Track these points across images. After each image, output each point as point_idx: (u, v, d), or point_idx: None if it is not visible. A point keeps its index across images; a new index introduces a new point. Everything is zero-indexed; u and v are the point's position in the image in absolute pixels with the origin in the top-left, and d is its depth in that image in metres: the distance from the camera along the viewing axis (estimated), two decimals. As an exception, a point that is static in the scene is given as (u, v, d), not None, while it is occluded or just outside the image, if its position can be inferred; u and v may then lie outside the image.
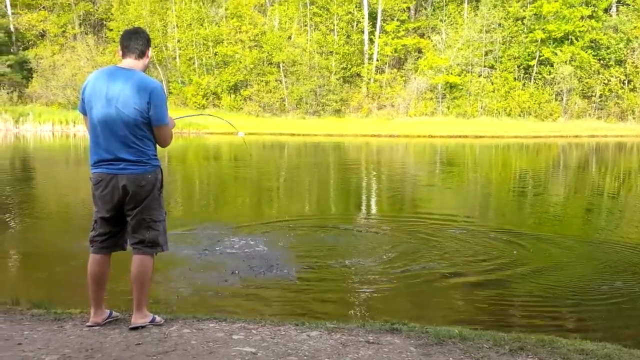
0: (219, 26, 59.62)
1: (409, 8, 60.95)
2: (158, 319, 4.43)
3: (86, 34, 60.55)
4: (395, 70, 58.21)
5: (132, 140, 4.15)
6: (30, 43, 60.96)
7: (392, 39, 57.70)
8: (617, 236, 10.21)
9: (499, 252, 8.68)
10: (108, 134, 4.16)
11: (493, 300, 6.34)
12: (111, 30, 59.62)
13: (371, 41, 58.88)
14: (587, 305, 6.22)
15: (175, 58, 59.74)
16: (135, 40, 4.29)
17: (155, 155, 4.32)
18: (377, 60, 58.29)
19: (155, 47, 55.64)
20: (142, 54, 4.30)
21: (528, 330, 4.88)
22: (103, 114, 4.15)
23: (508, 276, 7.35)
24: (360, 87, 57.84)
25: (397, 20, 58.45)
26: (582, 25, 53.56)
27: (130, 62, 4.28)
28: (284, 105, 56.48)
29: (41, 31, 61.25)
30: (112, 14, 60.88)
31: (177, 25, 59.45)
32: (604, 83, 54.11)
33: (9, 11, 59.97)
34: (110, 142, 4.16)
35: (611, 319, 5.83)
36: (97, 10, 63.42)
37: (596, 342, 4.34)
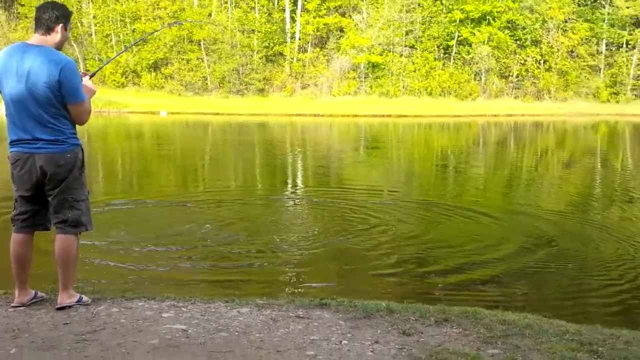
0: (136, 2, 58.16)
1: (330, -14, 61.07)
2: (85, 298, 4.34)
3: (-3, 9, 58.02)
4: (317, 49, 58.32)
5: (47, 119, 4.01)
6: (-64, 18, 57.93)
7: (314, 17, 57.74)
8: (536, 209, 10.62)
9: (423, 225, 8.90)
10: (22, 113, 4.02)
11: (418, 273, 6.48)
12: (23, 5, 57.28)
13: (293, 19, 58.77)
14: (507, 276, 6.44)
15: (91, 35, 57.96)
16: (43, 14, 4.10)
17: (74, 134, 4.18)
18: (300, 39, 58.27)
19: (71, 23, 53.78)
20: (49, 29, 4.08)
21: (452, 303, 5.02)
22: (15, 92, 4.00)
23: (430, 249, 7.53)
24: (284, 66, 57.73)
25: (319, -2, 58.44)
26: (499, 6, 55.04)
27: (37, 37, 4.09)
28: (207, 84, 55.83)
29: (-51, 5, 58.30)
30: (24, -11, 58.46)
31: (92, 1, 57.61)
32: (520, 63, 55.89)
33: None
34: (25, 121, 4.02)
35: (532, 290, 6.06)
36: (8, -16, 60.78)
37: (517, 313, 4.50)
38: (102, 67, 5.43)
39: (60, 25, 4.11)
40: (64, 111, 4.07)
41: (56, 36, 4.11)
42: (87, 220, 4.28)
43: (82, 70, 4.28)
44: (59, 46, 4.15)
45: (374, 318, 4.17)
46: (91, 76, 4.47)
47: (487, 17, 55.56)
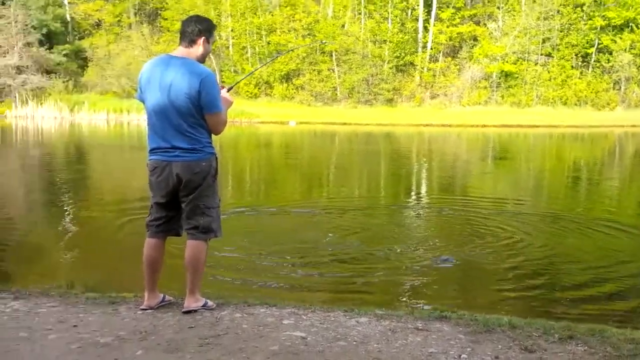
0: (272, 15, 59.84)
1: (465, -5, 60.07)
2: (210, 303, 4.50)
3: (141, 23, 61.61)
4: (449, 58, 57.50)
5: (186, 128, 4.20)
6: (86, 32, 62.24)
7: (447, 26, 56.97)
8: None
9: (549, 238, 8.59)
10: (163, 122, 4.22)
11: (543, 288, 6.26)
12: (165, 19, 60.36)
13: (426, 29, 58.28)
14: (638, 294, 6.11)
15: (228, 47, 60.20)
16: (187, 28, 4.30)
17: (210, 143, 4.35)
18: (431, 49, 57.71)
19: (210, 36, 56.09)
20: (192, 42, 4.28)
21: (578, 319, 4.81)
22: (157, 103, 4.21)
23: (559, 263, 7.26)
24: (414, 76, 57.34)
25: (453, 7, 57.62)
26: (644, 12, 51.96)
27: (181, 49, 4.30)
28: (336, 94, 56.44)
29: (97, 20, 62.52)
30: (166, 3, 61.61)
31: (230, 14, 59.90)
32: (664, 72, 52.48)
33: (66, 1, 61.25)
34: (165, 130, 4.22)
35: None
36: (151, 0, 64.29)
37: (647, 332, 4.26)
38: (239, 82, 5.63)
39: (203, 38, 4.30)
40: (202, 121, 4.24)
41: (199, 49, 4.30)
42: (217, 227, 4.44)
43: (220, 83, 4.46)
44: (202, 59, 4.34)
45: (495, 333, 4.06)
46: (229, 89, 4.65)
47: (630, 24, 52.65)
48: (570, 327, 4.19)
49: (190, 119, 4.20)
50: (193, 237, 4.37)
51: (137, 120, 42.72)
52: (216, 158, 4.41)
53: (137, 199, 11.17)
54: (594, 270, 6.93)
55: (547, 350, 3.76)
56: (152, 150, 4.32)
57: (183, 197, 4.33)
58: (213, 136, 4.41)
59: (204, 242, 4.40)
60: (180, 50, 4.32)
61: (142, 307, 4.45)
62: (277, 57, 53.64)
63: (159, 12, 63.29)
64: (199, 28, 4.29)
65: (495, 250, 7.65)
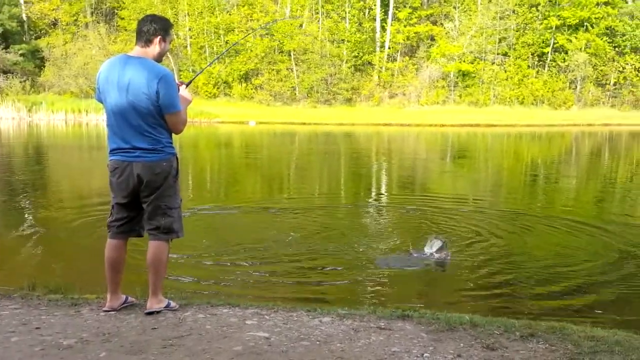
0: (230, 14, 59.60)
1: (421, -5, 60.70)
2: (173, 304, 4.49)
3: (98, 22, 60.80)
4: (407, 58, 58.04)
5: (145, 128, 4.18)
6: (42, 32, 61.29)
7: (405, 26, 57.52)
8: (631, 221, 10.23)
9: (508, 235, 8.72)
10: (122, 123, 4.20)
11: (504, 286, 6.35)
12: (122, 18, 59.73)
13: (383, 29, 58.72)
14: (597, 291, 6.22)
15: (186, 47, 59.79)
16: (143, 27, 4.27)
17: (170, 143, 4.34)
18: (389, 48, 58.16)
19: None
20: (148, 42, 4.25)
21: (539, 317, 4.89)
22: (116, 103, 4.18)
23: (519, 261, 7.36)
24: (372, 76, 57.72)
25: (410, 7, 58.22)
26: (598, 12, 53.17)
27: (138, 49, 4.27)
28: (295, 94, 56.49)
29: (53, 20, 61.64)
30: (123, 3, 61.05)
31: (188, 14, 59.50)
32: (618, 71, 53.76)
33: (21, 0, 60.15)
34: (124, 131, 4.20)
35: (622, 305, 5.83)
36: (108, -1, 63.60)
37: (607, 329, 4.34)
38: (196, 77, 5.60)
39: (159, 37, 4.27)
40: (162, 121, 4.22)
41: (155, 48, 4.27)
42: (178, 227, 4.43)
43: (177, 80, 4.44)
44: (159, 58, 4.31)
45: (456, 331, 4.11)
46: (187, 85, 4.62)
47: (585, 24, 53.79)
48: (531, 325, 4.27)
49: (150, 119, 4.17)
50: (155, 238, 4.35)
51: (96, 120, 42.21)
52: (177, 158, 4.40)
53: (98, 199, 11.06)
54: (553, 268, 7.04)
55: (509, 348, 3.82)
56: (113, 151, 4.29)
57: (144, 198, 4.30)
58: (173, 136, 4.39)
59: (166, 242, 4.38)
60: (136, 50, 4.28)
61: (104, 308, 4.41)
62: (229, 49, 53.43)
63: (116, 11, 62.61)
64: (154, 27, 4.26)
65: (456, 249, 7.71)
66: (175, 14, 59.04)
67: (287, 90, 56.36)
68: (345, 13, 58.22)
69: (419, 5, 59.95)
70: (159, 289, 4.39)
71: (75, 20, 61.91)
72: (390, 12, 58.05)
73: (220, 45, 58.59)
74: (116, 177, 4.30)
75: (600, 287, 6.34)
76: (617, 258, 7.53)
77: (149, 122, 4.18)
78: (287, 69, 57.10)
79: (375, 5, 58.55)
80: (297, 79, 56.52)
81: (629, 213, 11.35)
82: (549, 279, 6.60)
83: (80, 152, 23.51)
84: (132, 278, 5.32)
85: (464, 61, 54.39)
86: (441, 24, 58.46)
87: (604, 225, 9.59)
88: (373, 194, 13.64)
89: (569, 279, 6.60)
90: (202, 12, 59.30)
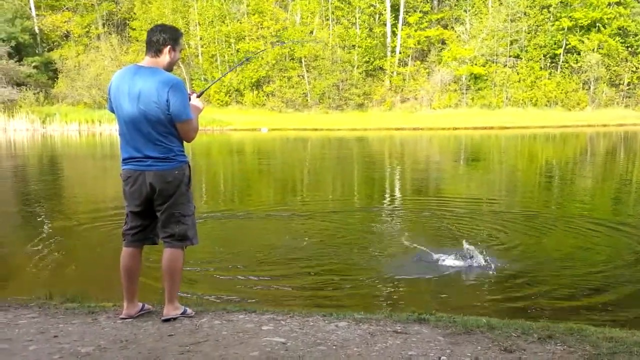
0: (240, 23, 59.75)
1: (432, -1, 60.60)
2: (189, 311, 4.50)
3: (110, 33, 61.09)
4: (418, 62, 57.93)
5: (157, 137, 4.20)
6: (54, 44, 61.63)
7: (415, 30, 57.42)
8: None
9: (524, 236, 8.68)
10: (134, 132, 4.22)
11: (521, 288, 6.31)
12: (134, 29, 60.03)
13: (394, 34, 58.66)
14: (615, 292, 6.17)
15: (197, 56, 60.00)
16: (152, 37, 4.30)
17: (182, 151, 4.36)
18: (400, 53, 58.08)
19: (179, 45, 55.94)
20: (158, 51, 4.28)
21: (556, 319, 4.86)
22: (127, 113, 4.21)
23: (534, 263, 7.31)
24: (383, 81, 57.66)
25: (420, 11, 58.11)
26: (610, 12, 52.81)
27: (148, 59, 4.30)
28: (307, 100, 56.51)
29: (65, 32, 61.99)
30: (134, 14, 61.33)
31: (199, 23, 59.72)
32: (632, 71, 53.38)
33: (33, 13, 60.66)
34: (136, 140, 4.22)
35: (640, 306, 5.78)
36: (120, 10, 63.90)
37: (625, 330, 4.31)
38: (208, 87, 5.62)
39: (169, 46, 4.29)
40: (173, 129, 4.24)
41: (165, 57, 4.30)
42: (192, 234, 4.44)
43: (189, 90, 4.46)
44: (169, 67, 4.33)
45: (474, 334, 4.10)
46: (198, 95, 4.64)
47: (597, 24, 53.46)
48: (548, 327, 4.24)
49: (161, 128, 4.20)
50: (169, 245, 4.36)
51: (110, 130, 42.48)
52: (189, 166, 4.42)
53: (113, 208, 11.11)
54: (570, 269, 7.00)
55: (527, 350, 3.80)
56: (125, 160, 4.32)
57: (158, 206, 4.33)
58: (185, 144, 4.41)
59: (181, 250, 4.39)
60: (147, 60, 4.31)
61: (121, 316, 4.43)
62: (243, 62, 53.67)
63: (127, 22, 62.90)
64: (164, 37, 4.29)
65: (470, 250, 7.66)
66: (186, 24, 59.27)
67: (298, 97, 56.39)
68: (356, 19, 58.23)
69: (430, 9, 59.82)
70: (175, 296, 4.41)
71: (87, 31, 62.26)
72: (400, 17, 57.98)
73: (231, 54, 58.74)
74: (129, 186, 4.32)
75: (618, 288, 6.28)
76: (634, 258, 7.48)
77: (160, 131, 4.20)
78: (298, 75, 57.13)
79: (385, 10, 58.49)
80: (309, 85, 56.55)
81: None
82: (566, 280, 6.55)
83: (94, 162, 23.65)
84: (148, 286, 5.34)
85: (476, 64, 54.22)
86: (452, 27, 58.33)
87: (621, 226, 9.52)
88: (387, 198, 13.60)
89: (586, 280, 6.56)
90: (212, 21, 59.49)
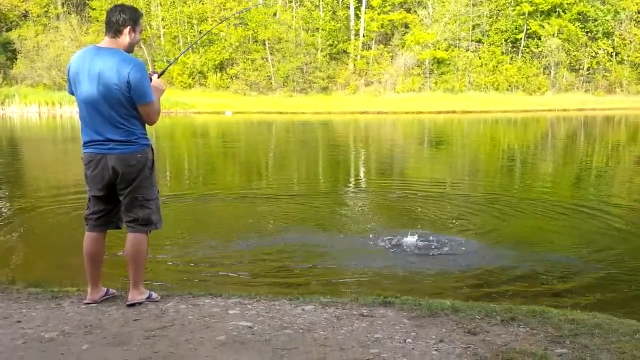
0: (203, 3, 59.08)
1: (395, -18, 60.56)
2: (154, 295, 4.46)
3: (69, 13, 59.98)
4: (382, 46, 58.06)
5: (118, 120, 4.11)
6: (13, 24, 60.31)
7: (379, 14, 57.48)
8: (608, 204, 10.29)
9: (487, 219, 8.79)
10: (94, 114, 4.12)
11: (483, 271, 6.38)
12: (94, 9, 58.99)
13: (357, 17, 58.64)
14: (576, 274, 6.28)
15: (159, 37, 59.24)
16: (112, 17, 4.19)
17: (145, 134, 4.27)
18: (364, 37, 58.12)
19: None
20: (118, 32, 4.17)
21: (519, 301, 4.93)
22: (87, 95, 4.11)
23: (498, 246, 7.39)
24: (347, 64, 57.71)
25: (383, -6, 58.11)
26: (570, -3, 53.47)
27: (107, 40, 4.20)
28: (271, 83, 56.27)
29: (23, 12, 60.64)
30: (94, -7, 60.22)
31: (160, 3, 58.90)
32: (591, 56, 54.21)
33: (-9, -8, 59.29)
34: (97, 123, 4.13)
35: (602, 288, 5.88)
36: (79, -11, 62.72)
37: (586, 312, 4.38)
38: (169, 66, 5.52)
39: (129, 27, 4.19)
40: (134, 112, 4.15)
41: (125, 38, 4.19)
42: (157, 219, 4.38)
43: (150, 70, 4.37)
44: (129, 48, 4.23)
45: (438, 317, 4.13)
46: (159, 75, 4.55)
47: (557, 9, 54.14)
48: (511, 310, 4.29)
49: (122, 110, 4.10)
50: (133, 230, 4.30)
51: (71, 112, 41.82)
52: (152, 149, 4.33)
53: (74, 192, 10.93)
54: (532, 251, 7.11)
55: (490, 332, 3.85)
56: (86, 144, 4.22)
57: (120, 190, 4.25)
58: (148, 127, 4.34)
59: (145, 234, 4.33)
60: (106, 41, 4.20)
61: (85, 301, 4.37)
62: (202, 37, 53.10)
63: (87, 2, 61.68)
64: (123, 17, 4.18)
65: (434, 234, 7.74)
66: (147, 4, 58.40)
67: (262, 80, 56.13)
68: (319, 1, 58.03)
69: (393, -8, 59.92)
70: (140, 281, 4.36)
71: (46, 11, 61.02)
72: (364, 0, 57.96)
73: (193, 35, 58.10)
74: (91, 170, 4.23)
75: (580, 270, 6.40)
76: (595, 240, 7.63)
77: (122, 113, 4.11)
78: (262, 58, 56.84)
79: (348, -8, 58.42)
80: (273, 68, 56.30)
81: (612, 199, 11.40)
82: (528, 262, 6.64)
83: (54, 144, 23.27)
84: (112, 270, 5.29)
85: (439, 48, 54.57)
86: (415, 11, 58.50)
87: (582, 209, 9.68)
88: (352, 181, 13.66)
89: (549, 263, 6.65)
90: (174, 2, 58.75)
